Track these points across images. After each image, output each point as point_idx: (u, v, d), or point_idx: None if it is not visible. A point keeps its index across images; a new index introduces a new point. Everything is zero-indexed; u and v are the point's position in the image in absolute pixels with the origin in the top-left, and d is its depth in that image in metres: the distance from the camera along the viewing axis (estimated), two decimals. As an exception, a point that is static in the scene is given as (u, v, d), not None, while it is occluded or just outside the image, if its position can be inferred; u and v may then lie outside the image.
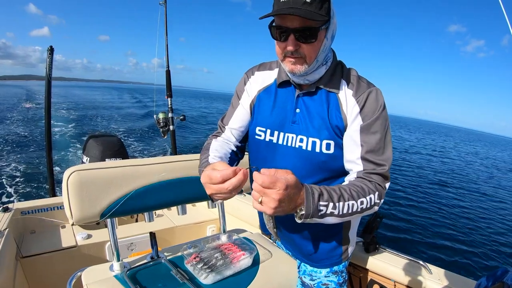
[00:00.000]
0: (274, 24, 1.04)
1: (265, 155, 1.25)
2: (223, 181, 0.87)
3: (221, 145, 1.23)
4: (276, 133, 1.20)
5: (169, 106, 3.51)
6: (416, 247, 5.96)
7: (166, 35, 3.53)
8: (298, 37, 1.00)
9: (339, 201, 0.94)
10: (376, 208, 1.04)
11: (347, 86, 1.13)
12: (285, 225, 1.31)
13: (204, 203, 1.46)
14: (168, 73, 3.59)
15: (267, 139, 1.22)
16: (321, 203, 0.90)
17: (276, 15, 0.98)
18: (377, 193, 1.02)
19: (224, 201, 1.52)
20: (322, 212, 0.91)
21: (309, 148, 1.14)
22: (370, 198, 1.00)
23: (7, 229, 1.62)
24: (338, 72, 1.16)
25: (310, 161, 1.15)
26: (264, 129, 1.23)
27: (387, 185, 1.08)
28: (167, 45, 3.56)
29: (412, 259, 1.62)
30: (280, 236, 1.40)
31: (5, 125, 16.03)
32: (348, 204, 0.96)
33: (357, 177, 1.07)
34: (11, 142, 11.79)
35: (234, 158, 1.26)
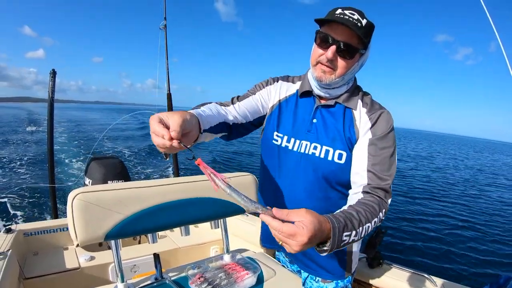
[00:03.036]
0: (321, 30, 1.13)
1: (278, 160, 1.31)
2: (157, 133, 0.83)
3: (217, 109, 1.22)
4: (292, 140, 1.27)
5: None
6: (420, 260, 5.91)
7: (167, 59, 3.56)
8: (339, 50, 1.09)
9: (359, 227, 0.93)
10: (380, 224, 1.07)
11: (362, 105, 1.22)
12: None
13: (207, 224, 1.47)
14: (169, 96, 3.60)
15: (283, 145, 1.29)
16: (345, 233, 0.88)
17: (332, 21, 1.08)
18: (384, 210, 1.06)
19: (227, 222, 1.53)
20: (344, 242, 0.89)
21: (322, 156, 1.20)
22: (379, 216, 1.03)
23: (10, 250, 1.62)
24: (356, 93, 1.26)
25: (320, 169, 1.21)
26: (281, 135, 1.29)
27: (389, 201, 1.11)
28: (167, 69, 3.59)
29: (417, 272, 1.62)
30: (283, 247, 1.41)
31: (9, 147, 16.06)
32: (365, 227, 0.96)
33: (363, 192, 1.10)
34: (14, 164, 11.82)
35: (223, 128, 1.22)
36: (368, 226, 0.97)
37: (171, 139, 0.82)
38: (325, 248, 0.85)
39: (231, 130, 1.27)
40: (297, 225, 0.76)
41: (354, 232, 0.91)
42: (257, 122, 1.38)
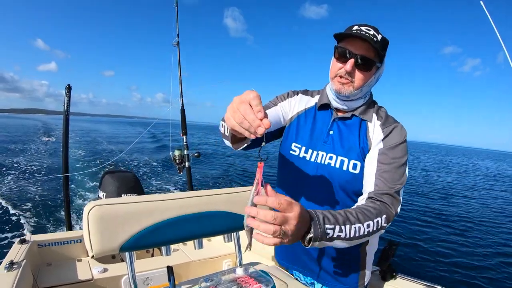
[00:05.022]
0: (339, 45, 1.19)
1: (296, 170, 1.34)
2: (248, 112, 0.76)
3: None
4: (310, 151, 1.31)
5: (185, 143, 3.56)
6: (434, 272, 5.78)
7: (180, 75, 3.62)
8: (357, 63, 1.15)
9: (344, 224, 0.95)
10: (383, 231, 1.07)
11: (377, 118, 1.28)
12: (304, 249, 1.35)
13: (220, 238, 1.48)
14: (183, 112, 3.64)
15: (300, 155, 1.33)
16: (327, 226, 0.90)
17: (350, 36, 1.16)
18: (384, 216, 1.06)
19: (240, 235, 1.53)
20: (329, 236, 0.91)
21: (337, 166, 1.24)
22: (377, 221, 1.03)
23: (24, 261, 1.64)
24: (372, 106, 1.32)
25: (335, 179, 1.25)
26: (300, 146, 1.34)
27: (399, 209, 1.13)
28: (181, 84, 3.64)
29: (431, 284, 1.60)
30: (297, 258, 1.44)
31: (24, 157, 16.26)
32: (355, 228, 0.97)
33: (368, 198, 1.13)
34: (29, 174, 11.91)
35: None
36: (359, 227, 0.98)
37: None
38: (310, 235, 0.87)
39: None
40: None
41: (338, 227, 0.92)
42: (277, 133, 1.43)
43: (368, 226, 1.00)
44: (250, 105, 0.75)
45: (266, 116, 0.74)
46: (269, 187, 0.79)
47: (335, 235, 0.92)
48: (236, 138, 1.09)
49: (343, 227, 0.94)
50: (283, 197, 0.77)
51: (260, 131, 0.74)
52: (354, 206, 1.09)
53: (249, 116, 0.74)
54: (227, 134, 1.10)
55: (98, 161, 16.17)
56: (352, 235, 0.96)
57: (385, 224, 1.06)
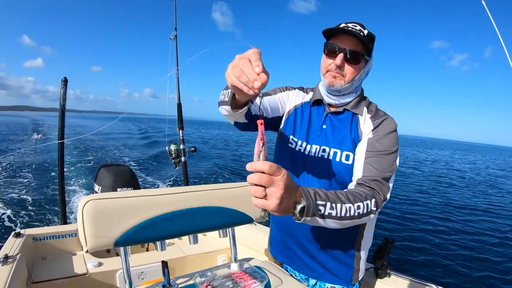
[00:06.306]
0: (328, 42, 1.24)
1: (292, 163, 1.38)
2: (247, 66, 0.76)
3: None
4: (304, 144, 1.36)
5: (181, 138, 3.54)
6: (427, 270, 5.83)
7: (177, 69, 3.59)
8: (346, 57, 1.20)
9: (335, 202, 0.96)
10: (372, 215, 1.08)
11: (368, 111, 1.32)
12: (300, 239, 1.39)
13: (215, 233, 1.48)
14: (179, 106, 3.63)
15: (297, 149, 1.37)
16: (319, 202, 0.91)
17: (338, 32, 1.22)
18: (374, 199, 1.08)
19: (235, 231, 1.53)
20: (321, 212, 0.92)
21: (330, 157, 1.29)
22: (367, 204, 1.05)
23: (19, 254, 1.64)
24: (363, 101, 1.36)
25: (329, 171, 1.28)
26: (296, 139, 1.39)
27: (388, 195, 1.16)
28: (178, 78, 3.61)
29: (425, 283, 1.61)
30: (291, 253, 1.46)
31: (16, 154, 16.12)
32: (346, 207, 0.99)
33: (356, 184, 1.16)
34: (22, 170, 11.88)
35: (247, 112, 1.21)
36: (349, 207, 1.00)
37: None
38: (301, 205, 0.87)
39: (251, 120, 1.28)
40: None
41: (329, 204, 0.94)
42: (274, 121, 1.46)
43: (358, 207, 1.03)
44: (250, 61, 0.76)
45: (264, 71, 0.75)
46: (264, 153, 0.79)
47: (326, 213, 0.94)
48: (236, 103, 1.09)
49: (333, 204, 0.96)
50: (272, 163, 0.77)
51: (257, 84, 0.75)
52: (343, 190, 1.10)
53: (247, 70, 0.76)
54: (227, 99, 1.11)
55: (82, 146, 16.67)
56: (343, 214, 0.98)
57: (374, 208, 1.08)
